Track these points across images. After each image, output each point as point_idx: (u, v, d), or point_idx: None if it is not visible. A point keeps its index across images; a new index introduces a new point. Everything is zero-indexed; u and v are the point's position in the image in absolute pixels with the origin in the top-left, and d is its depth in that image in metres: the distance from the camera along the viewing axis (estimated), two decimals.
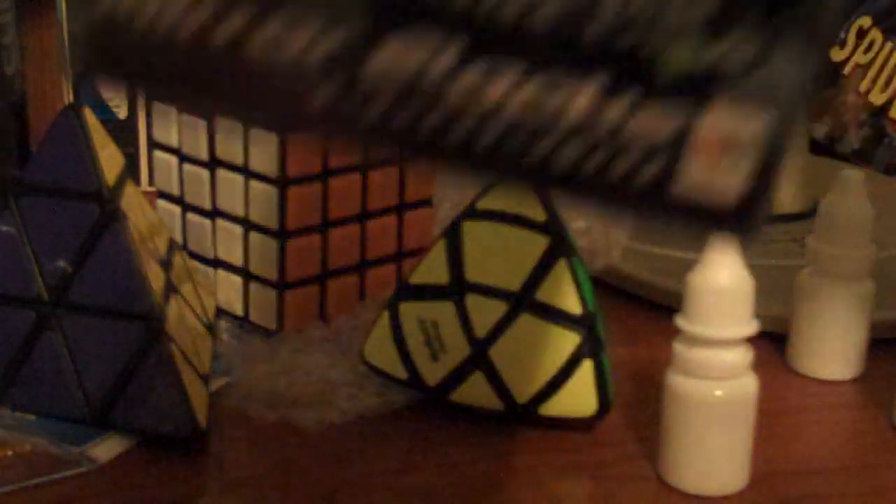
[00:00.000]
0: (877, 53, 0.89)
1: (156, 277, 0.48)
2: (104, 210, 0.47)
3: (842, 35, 0.91)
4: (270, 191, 0.55)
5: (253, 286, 0.57)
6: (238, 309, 0.58)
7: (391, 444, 0.49)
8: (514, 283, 0.49)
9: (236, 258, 0.58)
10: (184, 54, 0.26)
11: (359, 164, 0.57)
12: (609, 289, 0.64)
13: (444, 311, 0.50)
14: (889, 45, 0.89)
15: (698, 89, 0.24)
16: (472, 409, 0.51)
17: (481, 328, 0.50)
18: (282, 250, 0.56)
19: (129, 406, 0.47)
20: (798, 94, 0.24)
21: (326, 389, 0.52)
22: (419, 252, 0.59)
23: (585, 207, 0.26)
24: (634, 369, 0.55)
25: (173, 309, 0.49)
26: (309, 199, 0.56)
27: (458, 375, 0.50)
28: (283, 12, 0.25)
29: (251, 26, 0.25)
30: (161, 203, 0.61)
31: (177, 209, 0.60)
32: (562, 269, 0.49)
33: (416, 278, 0.51)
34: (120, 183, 0.48)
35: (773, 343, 0.57)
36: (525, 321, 0.49)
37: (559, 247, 0.49)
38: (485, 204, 0.50)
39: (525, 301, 0.49)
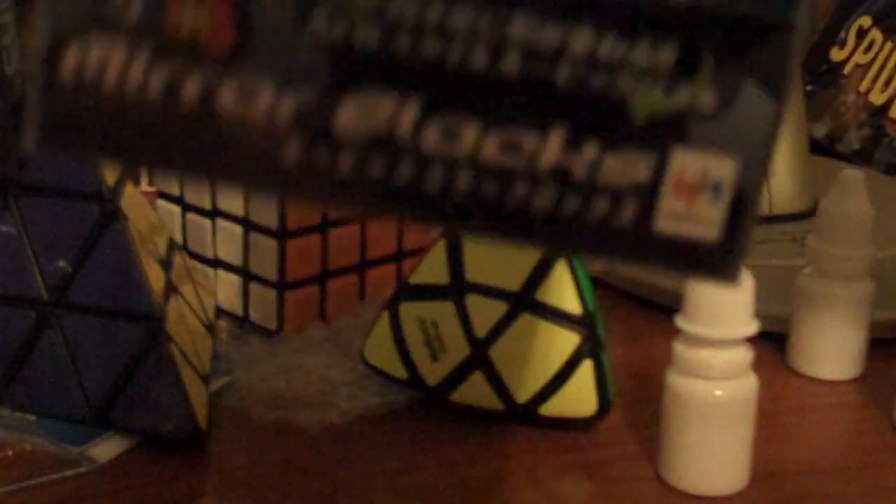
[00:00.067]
0: (877, 53, 0.89)
1: (156, 277, 0.48)
2: (104, 210, 0.47)
3: (842, 35, 0.91)
4: None
5: (253, 286, 0.57)
6: (238, 309, 0.58)
7: (391, 444, 0.49)
8: (514, 283, 0.49)
9: (236, 258, 0.58)
10: (152, 115, 0.25)
11: None
12: (609, 289, 0.64)
13: (444, 311, 0.50)
14: (889, 45, 0.89)
15: (670, 131, 0.24)
16: (472, 409, 0.51)
17: (481, 328, 0.50)
18: (282, 250, 0.56)
19: (129, 406, 0.47)
20: (768, 133, 0.24)
21: (326, 389, 0.52)
22: (419, 252, 0.59)
23: (567, 252, 0.26)
24: (634, 369, 0.55)
25: (173, 309, 0.49)
26: None
27: (457, 375, 0.50)
28: (244, 72, 0.25)
29: (218, 83, 0.25)
30: (161, 203, 0.61)
31: (177, 209, 0.60)
32: (562, 269, 0.49)
33: (416, 278, 0.51)
34: (120, 183, 0.48)
35: (773, 343, 0.57)
36: (525, 321, 0.49)
37: None
38: None
39: (525, 301, 0.49)
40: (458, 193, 0.25)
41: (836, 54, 0.91)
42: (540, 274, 0.49)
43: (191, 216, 0.59)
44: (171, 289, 0.50)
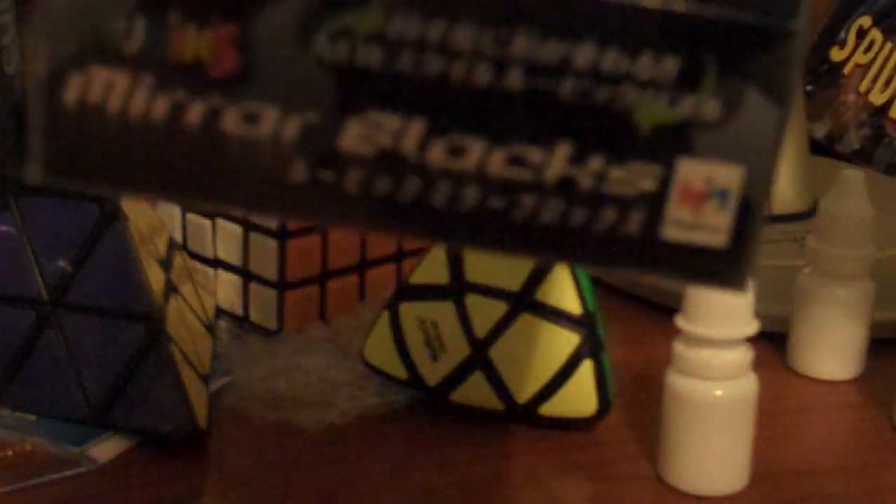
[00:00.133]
0: (877, 53, 0.89)
1: (156, 277, 0.48)
2: (104, 210, 0.47)
3: (842, 35, 0.91)
4: None
5: (253, 286, 0.57)
6: (238, 309, 0.58)
7: (391, 444, 0.49)
8: (514, 283, 0.49)
9: (236, 258, 0.58)
10: (156, 141, 0.25)
11: None
12: (609, 289, 0.64)
13: (444, 311, 0.50)
14: (889, 45, 0.89)
15: (675, 141, 0.24)
16: (472, 409, 0.51)
17: (481, 328, 0.50)
18: (282, 250, 0.56)
19: (128, 406, 0.47)
20: (773, 139, 0.24)
21: (326, 389, 0.52)
22: (419, 252, 0.59)
23: (575, 262, 0.26)
24: (634, 369, 0.55)
25: (173, 309, 0.49)
26: None
27: (457, 375, 0.50)
28: (248, 95, 0.25)
29: (222, 107, 0.25)
30: (161, 203, 0.61)
31: (177, 209, 0.60)
32: (562, 270, 0.49)
33: (416, 278, 0.51)
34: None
35: (773, 343, 0.57)
36: (525, 321, 0.49)
37: None
38: None
39: (525, 301, 0.49)
40: (465, 208, 0.25)
41: (836, 54, 0.91)
42: (540, 274, 0.49)
43: (191, 216, 0.59)
44: (171, 289, 0.50)
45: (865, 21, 0.90)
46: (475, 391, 0.50)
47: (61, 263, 0.47)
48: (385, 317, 0.51)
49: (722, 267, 0.25)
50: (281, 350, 0.55)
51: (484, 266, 0.50)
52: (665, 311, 0.56)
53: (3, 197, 0.48)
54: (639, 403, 0.52)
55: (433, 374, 0.51)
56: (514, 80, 0.24)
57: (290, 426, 0.50)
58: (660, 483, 0.47)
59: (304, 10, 0.24)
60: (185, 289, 0.53)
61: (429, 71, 0.24)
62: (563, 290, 0.49)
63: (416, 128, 0.25)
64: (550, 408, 0.49)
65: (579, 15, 0.24)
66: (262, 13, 0.24)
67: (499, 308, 0.49)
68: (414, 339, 0.51)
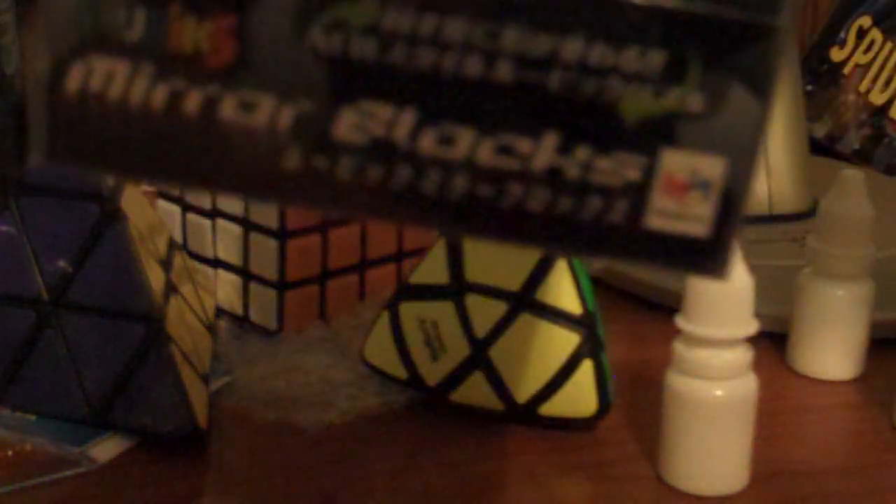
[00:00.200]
0: (877, 53, 0.89)
1: (156, 277, 0.48)
2: (104, 210, 0.47)
3: (842, 35, 0.91)
4: None
5: (253, 286, 0.57)
6: (238, 309, 0.58)
7: (391, 444, 0.49)
8: (514, 283, 0.49)
9: (236, 258, 0.58)
10: (155, 128, 0.26)
11: None
12: (609, 289, 0.64)
13: (444, 311, 0.50)
14: (889, 45, 0.89)
15: (660, 132, 0.25)
16: (472, 409, 0.51)
17: (481, 328, 0.50)
18: (282, 250, 0.56)
19: (128, 406, 0.47)
20: (755, 132, 0.25)
21: (326, 389, 0.52)
22: (419, 252, 0.59)
23: (561, 250, 0.26)
24: (634, 369, 0.55)
25: (173, 309, 0.49)
26: None
27: (458, 375, 0.50)
28: (244, 85, 0.25)
29: (219, 95, 0.26)
30: (161, 203, 0.61)
31: (177, 209, 0.60)
32: (561, 269, 0.49)
33: (416, 278, 0.51)
34: (120, 183, 0.48)
35: (773, 343, 0.57)
36: (525, 321, 0.49)
37: None
38: None
39: (525, 301, 0.49)
40: (455, 196, 0.26)
41: (836, 54, 0.91)
42: (540, 274, 0.49)
43: (191, 216, 0.59)
44: (171, 289, 0.50)
45: (865, 21, 0.90)
46: (475, 391, 0.50)
47: (61, 263, 0.47)
48: (385, 317, 0.51)
49: (704, 256, 0.26)
50: (281, 350, 0.55)
51: (484, 266, 0.50)
52: (665, 311, 0.56)
53: (3, 197, 0.48)
54: (639, 403, 0.52)
55: (433, 374, 0.51)
56: (504, 72, 0.25)
57: (290, 426, 0.50)
58: (660, 483, 0.47)
59: (300, 3, 0.25)
60: (185, 289, 0.53)
61: (421, 63, 0.25)
62: (563, 290, 0.49)
63: (408, 117, 0.25)
64: (550, 408, 0.49)
65: (567, 9, 0.24)
66: (259, 5, 0.25)
67: (499, 308, 0.49)
68: (414, 339, 0.51)
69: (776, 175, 0.72)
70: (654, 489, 0.46)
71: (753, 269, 0.45)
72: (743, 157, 0.25)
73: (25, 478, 0.45)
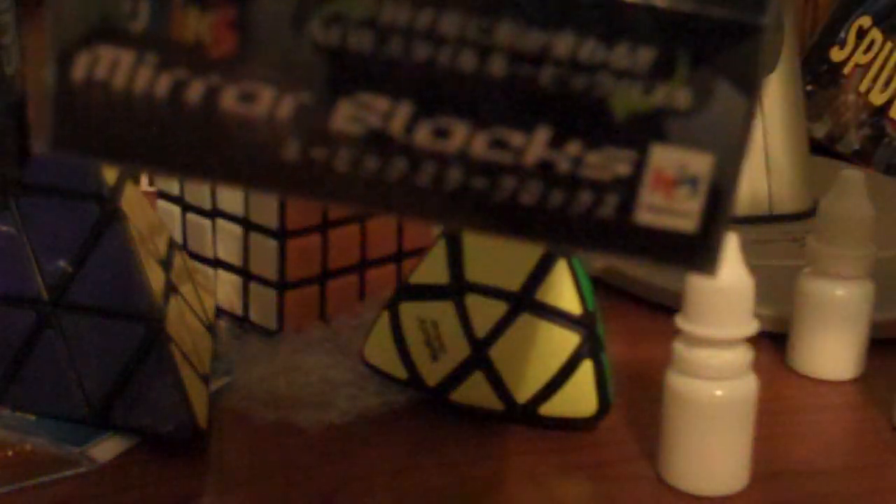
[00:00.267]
0: (877, 53, 0.89)
1: (156, 277, 0.48)
2: (104, 210, 0.47)
3: (842, 35, 0.91)
4: None
5: (253, 286, 0.57)
6: (238, 309, 0.58)
7: (391, 444, 0.49)
8: (514, 283, 0.49)
9: (236, 258, 0.58)
10: (158, 117, 0.26)
11: None
12: (609, 289, 0.64)
13: (444, 311, 0.50)
14: (889, 45, 0.89)
15: (649, 128, 0.25)
16: (472, 409, 0.51)
17: (481, 328, 0.50)
18: (282, 250, 0.56)
19: (129, 406, 0.47)
20: (741, 129, 0.25)
21: (326, 389, 0.52)
22: (419, 252, 0.59)
23: (552, 243, 0.27)
24: (634, 369, 0.55)
25: (173, 309, 0.49)
26: None
27: (458, 375, 0.50)
28: (245, 75, 0.26)
29: (221, 86, 0.26)
30: (161, 203, 0.61)
31: (177, 209, 0.60)
32: (562, 269, 0.49)
33: (416, 278, 0.51)
34: (120, 183, 0.48)
35: (773, 343, 0.57)
36: (525, 321, 0.49)
37: None
38: None
39: (525, 301, 0.49)
40: (450, 188, 0.26)
41: (836, 54, 0.91)
42: (540, 274, 0.49)
43: (191, 216, 0.59)
44: (171, 289, 0.50)
45: (865, 21, 0.90)
46: (475, 391, 0.50)
47: (61, 263, 0.47)
48: (385, 317, 0.51)
49: (692, 251, 0.26)
50: (281, 350, 0.55)
51: (484, 266, 0.50)
52: (665, 311, 0.56)
53: (3, 197, 0.48)
54: (639, 403, 0.52)
55: (433, 374, 0.51)
56: (497, 66, 0.25)
57: (290, 426, 0.50)
58: (660, 483, 0.47)
59: None
60: (185, 289, 0.53)
61: (417, 56, 0.25)
62: (563, 290, 0.49)
63: (404, 110, 0.26)
64: (550, 408, 0.49)
65: (559, 5, 0.25)
66: None
67: (499, 308, 0.49)
68: (414, 339, 0.51)
69: (776, 175, 0.72)
70: (654, 489, 0.46)
71: (753, 269, 0.45)
72: (730, 153, 0.25)
73: (25, 478, 0.45)
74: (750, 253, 0.45)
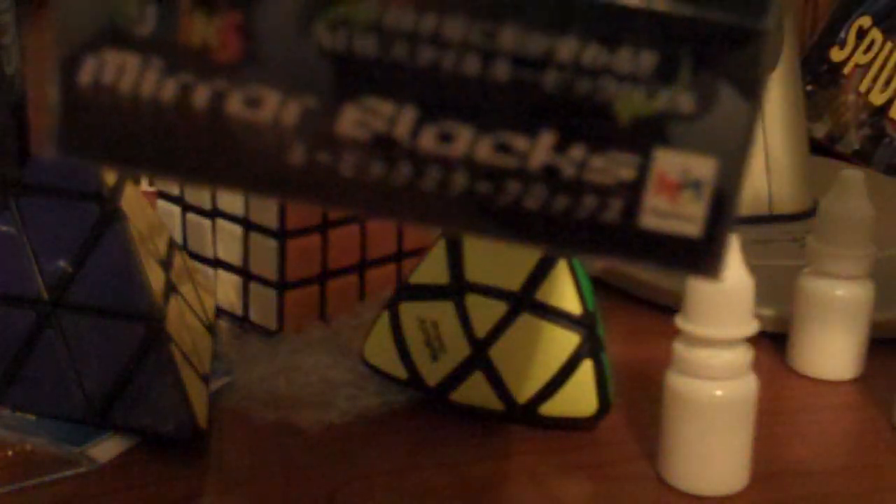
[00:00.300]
0: (877, 53, 0.89)
1: (156, 277, 0.48)
2: (104, 210, 0.47)
3: (842, 35, 0.91)
4: None
5: (253, 286, 0.57)
6: (238, 309, 0.58)
7: (391, 444, 0.49)
8: (514, 283, 0.49)
9: (236, 258, 0.58)
10: (164, 121, 0.26)
11: None
12: (609, 289, 0.64)
13: (444, 311, 0.50)
14: (889, 45, 0.89)
15: (652, 132, 0.25)
16: (472, 409, 0.51)
17: (481, 328, 0.50)
18: (282, 250, 0.56)
19: (129, 406, 0.47)
20: (744, 132, 0.25)
21: (326, 389, 0.52)
22: (419, 252, 0.59)
23: (557, 248, 0.27)
24: (634, 369, 0.55)
25: (173, 309, 0.49)
26: None
27: (458, 375, 0.50)
28: (251, 80, 0.26)
29: (226, 91, 0.26)
30: (161, 203, 0.61)
31: (177, 209, 0.60)
32: (562, 269, 0.49)
33: (416, 278, 0.51)
34: (120, 183, 0.48)
35: (773, 343, 0.57)
36: (525, 321, 0.49)
37: None
38: None
39: (525, 301, 0.49)
40: (454, 193, 0.26)
41: (836, 54, 0.91)
42: (540, 274, 0.49)
43: (191, 216, 0.59)
44: (171, 289, 0.50)
45: (865, 21, 0.90)
46: (475, 391, 0.50)
47: (61, 263, 0.47)
48: (385, 317, 0.51)
49: (696, 256, 0.26)
50: (281, 350, 0.55)
51: (484, 266, 0.50)
52: (665, 311, 0.56)
53: (3, 197, 0.48)
54: (639, 403, 0.52)
55: (433, 374, 0.51)
56: (501, 70, 0.25)
57: (290, 426, 0.50)
58: (660, 483, 0.47)
59: (305, 1, 0.25)
60: (185, 289, 0.53)
61: (421, 60, 0.25)
62: (563, 290, 0.49)
63: (409, 114, 0.26)
64: (550, 408, 0.49)
65: (563, 10, 0.25)
66: (266, 2, 0.26)
67: (499, 308, 0.49)
68: (414, 339, 0.51)
69: (776, 175, 0.72)
70: (654, 489, 0.46)
71: (753, 269, 0.45)
72: (733, 157, 0.25)
73: (25, 478, 0.45)
74: (750, 253, 0.45)
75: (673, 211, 0.26)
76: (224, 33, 0.26)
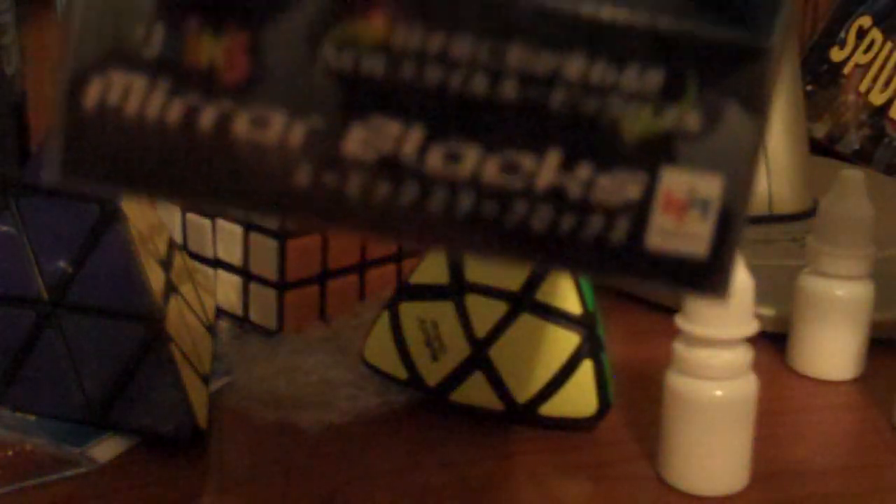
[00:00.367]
0: (877, 53, 0.89)
1: (156, 277, 0.48)
2: (104, 210, 0.47)
3: (842, 35, 0.91)
4: None
5: (253, 286, 0.57)
6: (238, 309, 0.58)
7: (391, 444, 0.49)
8: (514, 283, 0.49)
9: (236, 258, 0.58)
10: (170, 143, 0.26)
11: None
12: (609, 289, 0.64)
13: (444, 311, 0.50)
14: (889, 45, 0.89)
15: (659, 151, 0.25)
16: (472, 409, 0.51)
17: (481, 328, 0.50)
18: (282, 250, 0.56)
19: (129, 406, 0.47)
20: (751, 150, 0.25)
21: (326, 390, 0.52)
22: (419, 252, 0.59)
23: (563, 268, 0.27)
24: (634, 369, 0.55)
25: (173, 309, 0.49)
26: None
27: (458, 375, 0.50)
28: (257, 101, 0.26)
29: (233, 112, 0.26)
30: (161, 203, 0.61)
31: (177, 209, 0.60)
32: None
33: (416, 278, 0.51)
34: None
35: (773, 343, 0.57)
36: (525, 321, 0.49)
37: None
38: None
39: (525, 301, 0.49)
40: (461, 213, 0.26)
41: (836, 54, 0.91)
42: (540, 274, 0.49)
43: (191, 216, 0.59)
44: (171, 289, 0.50)
45: (865, 21, 0.90)
46: (475, 391, 0.50)
47: (61, 263, 0.47)
48: (385, 317, 0.51)
49: (703, 275, 0.26)
50: (281, 350, 0.55)
51: (484, 266, 0.50)
52: (665, 311, 0.56)
53: (3, 197, 0.48)
54: (639, 403, 0.52)
55: (433, 374, 0.51)
56: (509, 89, 0.25)
57: (290, 426, 0.50)
58: (660, 483, 0.47)
59: (312, 21, 0.25)
60: (185, 289, 0.53)
61: (429, 80, 0.25)
62: (563, 290, 0.49)
63: (416, 134, 0.26)
64: (550, 408, 0.49)
65: (570, 29, 0.25)
66: (273, 23, 0.25)
67: (499, 308, 0.49)
68: (414, 339, 0.51)
69: (776, 175, 0.72)
70: (654, 489, 0.46)
71: (753, 269, 0.45)
72: (740, 175, 0.25)
73: (25, 478, 0.45)
74: (750, 253, 0.45)
75: (679, 230, 0.26)
76: (231, 54, 0.26)
